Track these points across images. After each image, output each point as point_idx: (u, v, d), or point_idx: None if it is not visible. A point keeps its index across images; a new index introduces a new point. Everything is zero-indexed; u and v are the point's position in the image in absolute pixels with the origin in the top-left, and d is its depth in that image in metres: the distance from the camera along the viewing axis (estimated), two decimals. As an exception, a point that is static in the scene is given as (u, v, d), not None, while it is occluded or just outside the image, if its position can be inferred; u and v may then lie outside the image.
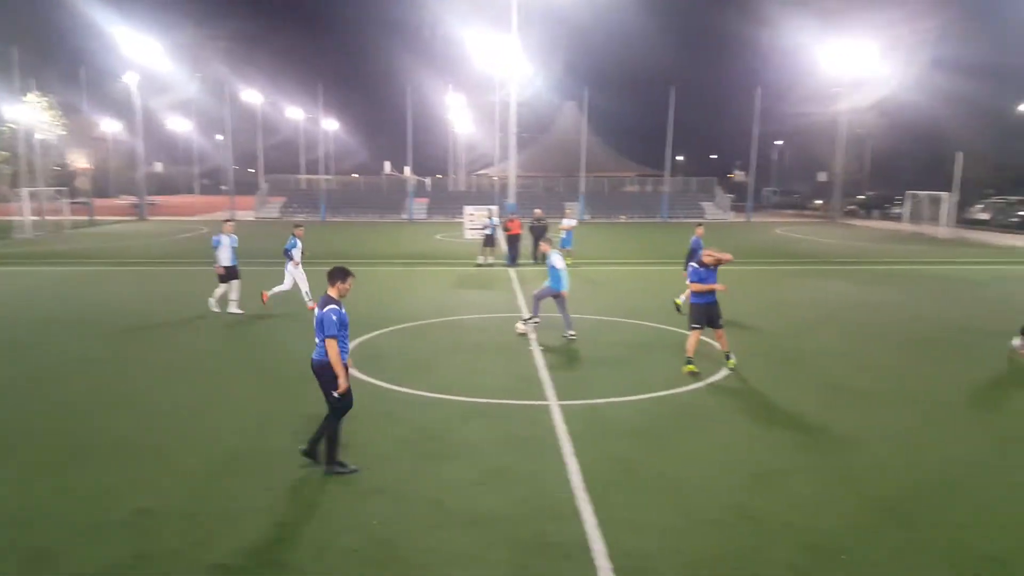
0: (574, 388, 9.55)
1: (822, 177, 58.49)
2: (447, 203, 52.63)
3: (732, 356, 10.55)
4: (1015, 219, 40.66)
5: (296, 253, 14.81)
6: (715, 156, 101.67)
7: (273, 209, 51.98)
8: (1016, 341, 11.24)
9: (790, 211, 61.82)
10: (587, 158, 52.69)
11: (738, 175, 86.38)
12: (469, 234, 31.97)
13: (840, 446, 7.68)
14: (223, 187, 76.78)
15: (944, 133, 51.94)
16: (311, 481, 6.70)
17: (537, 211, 24.70)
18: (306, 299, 14.97)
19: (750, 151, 51.96)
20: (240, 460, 7.22)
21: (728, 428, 8.23)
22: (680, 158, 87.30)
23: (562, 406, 8.78)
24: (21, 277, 20.24)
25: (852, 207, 54.97)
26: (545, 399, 9.09)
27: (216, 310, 14.38)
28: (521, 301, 16.53)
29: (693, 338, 10.35)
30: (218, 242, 14.24)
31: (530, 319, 13.02)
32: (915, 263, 24.91)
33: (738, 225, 45.31)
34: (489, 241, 23.27)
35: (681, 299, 15.20)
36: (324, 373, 6.71)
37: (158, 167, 78.38)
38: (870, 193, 58.25)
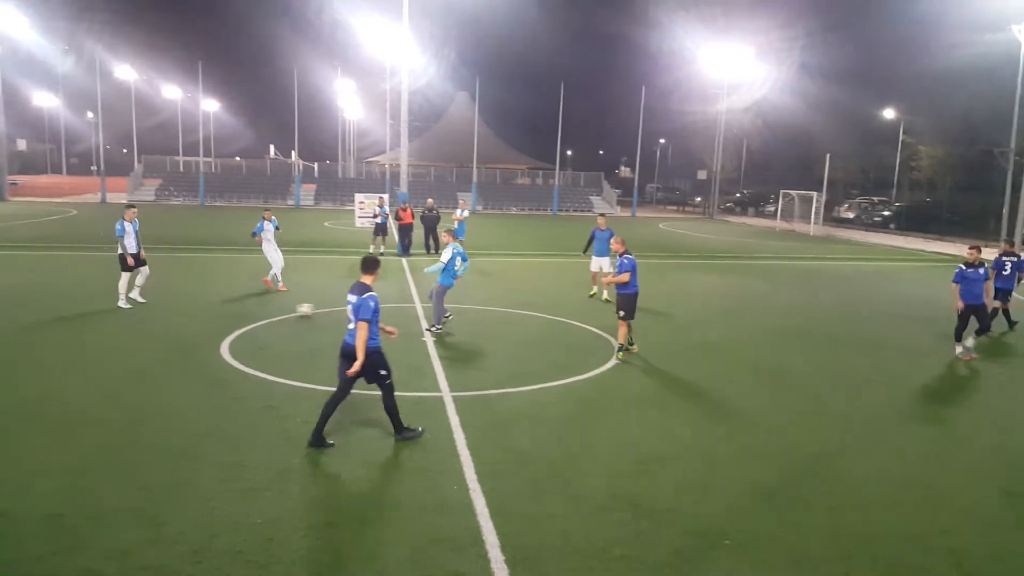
0: (466, 379, 9.57)
1: (702, 175, 61.47)
2: (336, 190, 51.33)
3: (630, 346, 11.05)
4: (878, 218, 44.33)
5: (268, 235, 15.49)
6: (603, 152, 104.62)
7: (148, 192, 48.90)
8: (959, 348, 11.78)
9: (672, 207, 64.60)
10: (479, 149, 52.81)
11: (624, 171, 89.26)
12: (360, 222, 31.32)
13: (723, 432, 8.11)
14: (93, 168, 71.35)
15: (814, 136, 55.97)
16: (191, 477, 6.37)
17: (429, 201, 24.55)
18: (273, 279, 15.67)
19: (636, 148, 53.78)
20: (114, 455, 6.77)
21: (617, 416, 8.51)
22: (570, 152, 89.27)
23: (454, 397, 8.78)
24: None
25: (729, 204, 58.26)
26: (438, 391, 9.05)
27: (126, 306, 13.37)
28: (414, 291, 16.36)
29: (626, 328, 10.88)
30: (122, 230, 13.39)
31: (433, 327, 12.08)
32: (788, 258, 26.67)
33: (624, 219, 46.81)
34: (380, 230, 22.90)
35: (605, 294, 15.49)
36: (369, 355, 6.96)
37: (21, 145, 71.68)
38: (746, 191, 61.95)
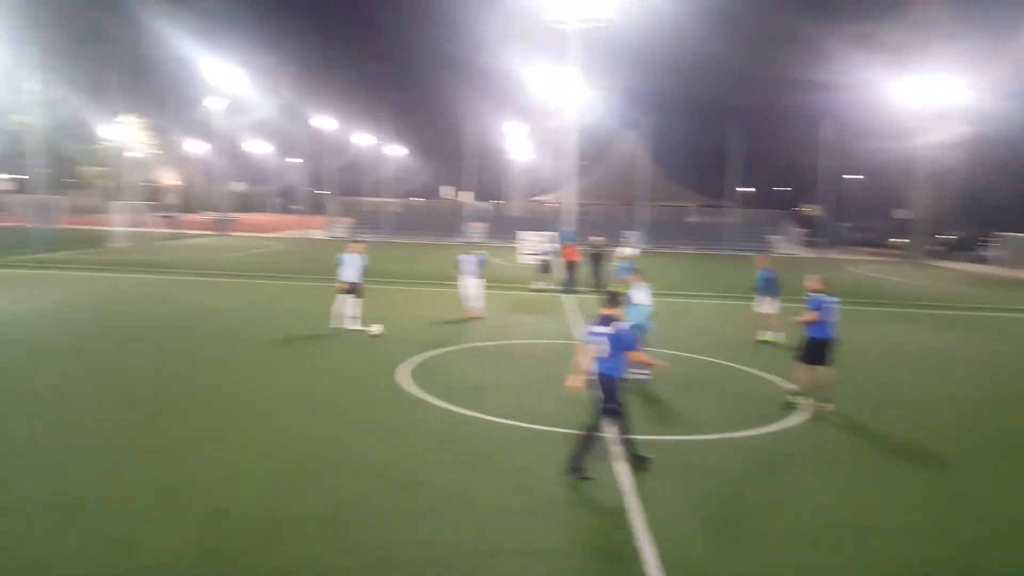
0: (638, 420, 9.43)
1: (901, 214, 56.35)
2: (504, 228, 53.11)
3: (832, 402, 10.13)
4: None
5: (468, 268, 16.58)
6: (786, 189, 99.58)
7: (341, 229, 53.55)
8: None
9: (866, 248, 59.73)
10: (647, 187, 52.42)
11: (810, 209, 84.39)
12: (523, 259, 32.19)
13: (931, 506, 7.33)
14: (294, 207, 79.53)
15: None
16: (373, 492, 6.88)
17: (596, 239, 24.73)
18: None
19: (823, 184, 50.62)
20: (308, 467, 7.48)
21: (804, 476, 7.97)
22: (747, 189, 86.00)
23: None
24: (114, 283, 21.36)
25: (936, 248, 52.06)
26: (607, 433, 9.04)
27: (348, 326, 14.70)
28: (573, 328, 16.53)
29: (803, 373, 10.11)
30: (341, 260, 15.04)
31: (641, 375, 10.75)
32: (1013, 311, 23.66)
33: (810, 261, 44.16)
34: (544, 267, 23.42)
35: (770, 335, 14.81)
36: (610, 384, 7.31)
37: (238, 187, 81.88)
38: (955, 233, 55.12)
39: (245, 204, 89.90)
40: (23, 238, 32.68)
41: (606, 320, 7.50)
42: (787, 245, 51.54)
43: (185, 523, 6.15)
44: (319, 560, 5.64)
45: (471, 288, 17.26)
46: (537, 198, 72.93)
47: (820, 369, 10.02)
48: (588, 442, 7.38)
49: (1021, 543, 6.52)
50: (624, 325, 7.52)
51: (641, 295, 11.46)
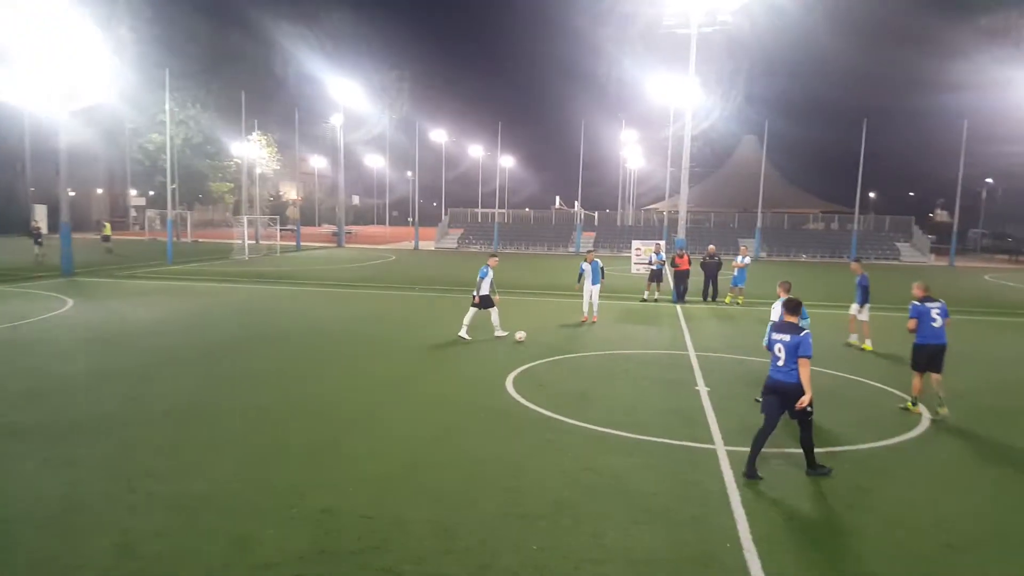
0: (742, 434, 9.13)
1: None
2: (614, 237, 52.67)
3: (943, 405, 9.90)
4: None
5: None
6: (914, 194, 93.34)
7: (451, 240, 54.82)
8: None
9: (1002, 256, 55.12)
10: (765, 193, 50.56)
11: (940, 215, 78.61)
12: (635, 269, 31.76)
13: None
14: (409, 219, 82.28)
15: None
16: (478, 497, 6.98)
17: (711, 247, 24.06)
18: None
19: (954, 189, 47.18)
20: (416, 470, 7.69)
21: (922, 492, 7.51)
22: (872, 195, 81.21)
23: (728, 452, 8.46)
24: (234, 293, 22.90)
25: None
26: (711, 443, 8.81)
27: (467, 337, 15.01)
28: (688, 338, 16.12)
29: (917, 379, 10.26)
30: (484, 273, 15.34)
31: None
32: None
33: (939, 269, 41.18)
34: (655, 276, 23.00)
35: (855, 339, 15.25)
36: (795, 392, 7.50)
37: (355, 200, 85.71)
38: None
39: (361, 216, 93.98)
40: (157, 251, 35.56)
41: (787, 327, 7.71)
42: (915, 252, 48.23)
43: (298, 523, 6.45)
44: (424, 562, 5.76)
45: (592, 295, 18.00)
46: (651, 207, 71.93)
47: (930, 375, 10.03)
48: (759, 444, 7.68)
49: None
50: (807, 332, 7.60)
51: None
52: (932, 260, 47.11)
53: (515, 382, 11.60)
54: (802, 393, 7.44)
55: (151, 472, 7.53)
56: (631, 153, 66.91)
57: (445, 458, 8.13)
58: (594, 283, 18.01)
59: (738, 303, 22.48)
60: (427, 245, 52.77)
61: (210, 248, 41.75)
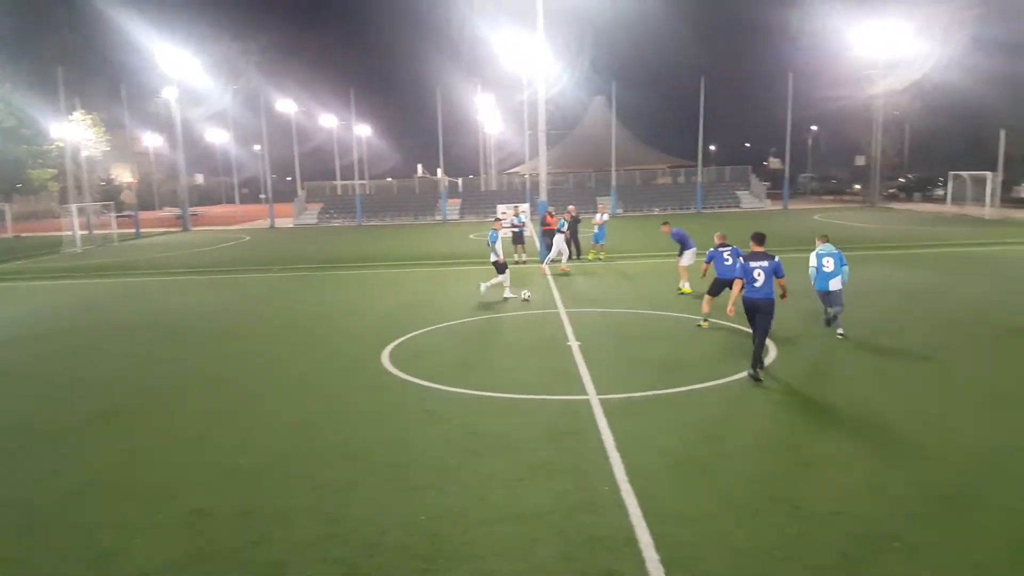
0: (612, 383, 9.57)
1: (860, 161, 57.28)
2: (479, 203, 52.83)
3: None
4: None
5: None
6: (749, 144, 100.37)
7: (311, 216, 52.77)
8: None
9: (829, 197, 60.71)
10: (617, 152, 52.41)
11: (773, 162, 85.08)
12: (503, 232, 32.11)
13: (891, 433, 7.59)
14: (262, 196, 78.27)
15: (985, 111, 50.36)
16: (358, 481, 6.86)
17: (571, 208, 24.69)
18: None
19: (784, 138, 51.14)
20: (289, 459, 7.43)
21: (772, 418, 8.19)
22: (713, 148, 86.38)
23: (601, 400, 8.82)
24: (71, 290, 20.93)
25: (892, 190, 53.82)
26: (585, 394, 9.14)
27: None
28: (557, 296, 16.55)
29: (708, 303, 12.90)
30: (495, 237, 16.65)
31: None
32: (960, 245, 24.32)
33: (775, 213, 44.64)
34: (518, 238, 23.35)
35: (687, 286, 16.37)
36: (769, 306, 9.29)
37: (199, 179, 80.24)
38: (910, 176, 56.78)
39: (207, 197, 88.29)
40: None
41: (761, 256, 9.33)
42: (753, 199, 51.97)
43: (168, 528, 6.08)
44: (311, 549, 5.61)
45: (558, 244, 20.24)
46: (511, 171, 72.55)
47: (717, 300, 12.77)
48: (759, 347, 9.31)
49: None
50: (779, 259, 9.37)
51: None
52: (768, 205, 50.94)
53: (391, 355, 11.44)
54: (773, 307, 9.27)
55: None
56: (489, 118, 66.94)
57: (323, 443, 7.89)
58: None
59: (600, 259, 23.31)
60: (284, 222, 50.53)
61: (36, 243, 37.76)
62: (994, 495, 6.10)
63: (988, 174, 36.12)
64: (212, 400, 9.63)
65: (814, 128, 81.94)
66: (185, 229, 48.21)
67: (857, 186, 58.04)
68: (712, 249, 13.18)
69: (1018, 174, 44.06)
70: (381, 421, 8.51)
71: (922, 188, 51.58)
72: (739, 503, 6.09)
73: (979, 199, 36.53)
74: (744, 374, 9.58)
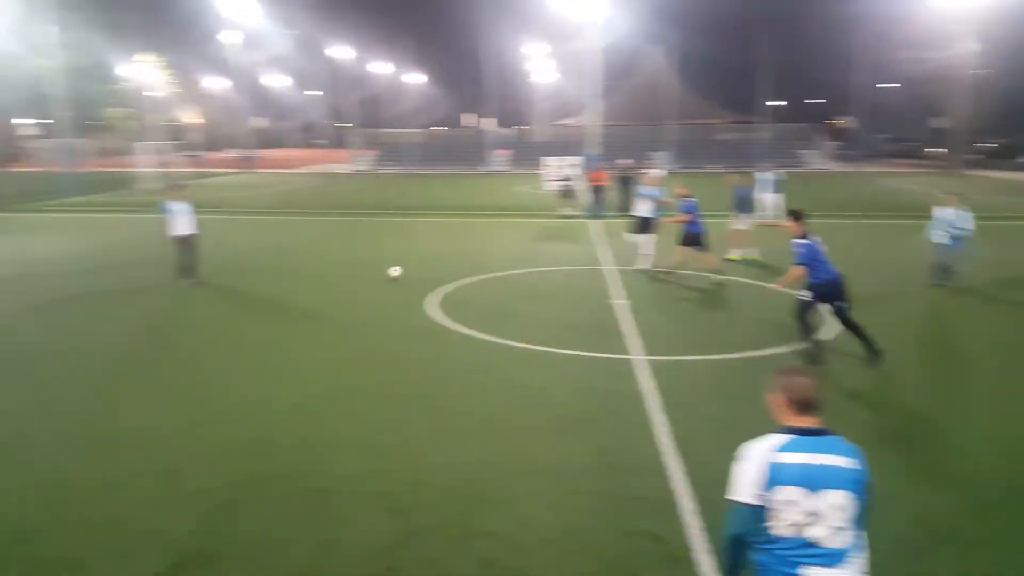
0: (661, 344, 9.52)
1: (938, 123, 54.21)
2: (529, 154, 52.41)
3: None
4: None
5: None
6: (818, 101, 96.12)
7: (366, 162, 53.28)
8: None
9: (903, 160, 57.76)
10: (674, 106, 51.08)
11: (844, 121, 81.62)
12: (548, 186, 31.86)
13: (952, 420, 7.42)
14: (316, 141, 79.08)
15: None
16: (408, 419, 7.10)
17: (623, 161, 24.32)
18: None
19: (858, 96, 48.84)
20: (341, 396, 7.73)
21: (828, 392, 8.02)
22: (779, 103, 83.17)
23: (649, 361, 8.79)
24: (146, 224, 21.70)
25: (977, 156, 49.97)
26: (631, 353, 9.13)
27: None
28: (600, 253, 16.46)
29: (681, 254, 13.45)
30: (650, 193, 14.36)
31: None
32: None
33: (839, 175, 42.94)
34: (568, 193, 23.13)
35: (738, 254, 15.34)
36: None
37: (260, 122, 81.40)
38: (1000, 140, 52.62)
39: (267, 140, 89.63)
40: (52, 183, 33.07)
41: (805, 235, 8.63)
42: (819, 159, 50.17)
43: (228, 450, 6.43)
44: (356, 481, 5.89)
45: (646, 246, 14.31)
46: (561, 122, 71.51)
47: (693, 251, 13.29)
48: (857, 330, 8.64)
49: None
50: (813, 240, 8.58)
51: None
52: (836, 166, 49.02)
53: (437, 303, 11.64)
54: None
55: (78, 410, 7.38)
56: (541, 68, 65.82)
57: (372, 382, 8.16)
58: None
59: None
60: (340, 168, 51.14)
61: (111, 178, 39.15)
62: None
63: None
64: (271, 332, 10.01)
65: (891, 87, 78.01)
66: (246, 171, 49.27)
67: (931, 150, 54.83)
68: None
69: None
70: (427, 366, 8.71)
71: (1012, 155, 47.73)
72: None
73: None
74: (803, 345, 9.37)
